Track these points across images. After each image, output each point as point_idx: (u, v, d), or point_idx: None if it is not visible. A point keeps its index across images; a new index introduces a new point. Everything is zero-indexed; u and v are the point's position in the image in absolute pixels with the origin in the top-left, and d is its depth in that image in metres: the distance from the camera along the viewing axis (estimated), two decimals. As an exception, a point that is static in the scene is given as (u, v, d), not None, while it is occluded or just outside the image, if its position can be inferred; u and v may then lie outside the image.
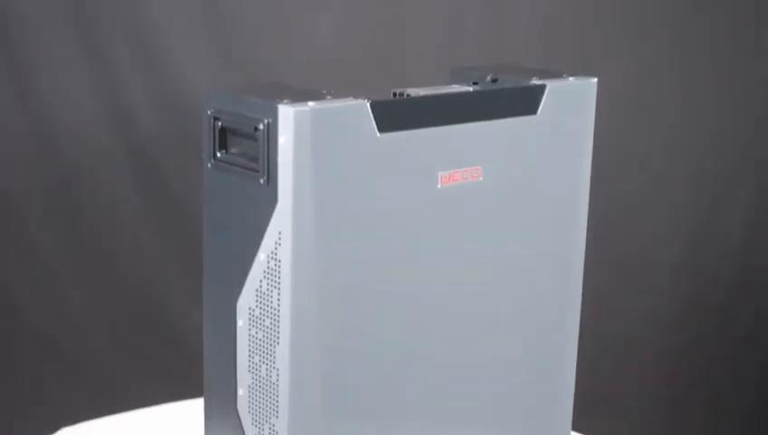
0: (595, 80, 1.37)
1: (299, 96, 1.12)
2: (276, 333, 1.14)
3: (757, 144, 2.71)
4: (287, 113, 1.09)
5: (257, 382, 1.17)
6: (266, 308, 1.14)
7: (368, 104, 1.15)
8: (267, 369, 1.16)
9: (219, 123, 1.17)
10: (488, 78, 1.34)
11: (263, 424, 1.17)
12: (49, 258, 2.58)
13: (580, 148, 1.37)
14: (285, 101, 1.10)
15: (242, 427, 1.20)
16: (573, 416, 1.47)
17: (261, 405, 1.17)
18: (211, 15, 2.39)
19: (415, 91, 1.25)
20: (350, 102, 1.14)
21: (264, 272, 1.14)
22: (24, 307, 2.60)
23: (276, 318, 1.13)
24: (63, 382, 2.61)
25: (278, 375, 1.15)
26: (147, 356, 2.64)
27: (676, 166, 2.69)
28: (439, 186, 1.22)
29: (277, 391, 1.15)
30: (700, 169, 2.70)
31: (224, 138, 1.18)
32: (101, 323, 2.64)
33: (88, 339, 2.63)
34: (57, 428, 1.68)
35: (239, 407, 1.20)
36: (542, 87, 1.31)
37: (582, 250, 1.40)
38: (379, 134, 1.16)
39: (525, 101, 1.31)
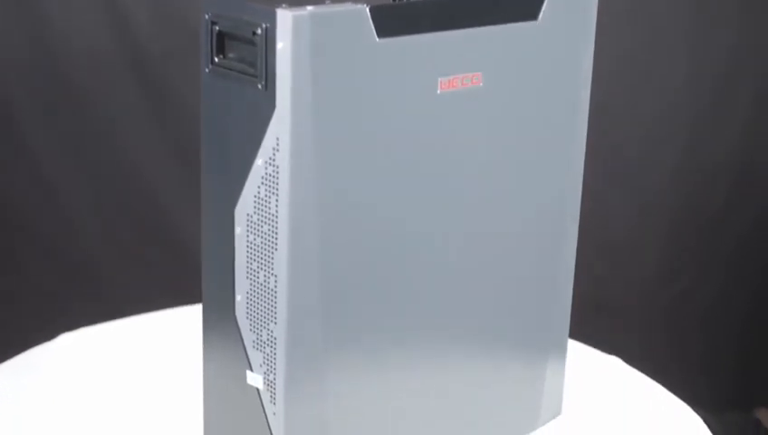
0: (597, -15, 1.36)
1: (298, 1, 1.11)
2: (274, 240, 1.14)
3: (758, 44, 2.69)
4: (285, 18, 1.08)
5: (255, 289, 1.18)
6: (264, 214, 1.14)
7: (366, 9, 1.13)
8: (265, 275, 1.16)
9: (217, 28, 1.16)
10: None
11: (261, 330, 1.18)
12: (48, 165, 2.58)
13: (580, 54, 1.36)
14: (284, 5, 1.09)
15: (240, 333, 1.21)
16: (571, 322, 1.48)
17: (259, 311, 1.18)
18: None
19: (414, -4, 1.24)
20: (348, 7, 1.13)
21: (262, 178, 1.14)
22: (22, 214, 2.60)
23: (274, 224, 1.13)
24: (62, 290, 2.62)
25: (276, 281, 1.15)
26: (146, 263, 2.65)
27: (674, 68, 2.68)
28: (439, 91, 1.21)
29: (275, 297, 1.16)
30: (699, 68, 2.69)
31: (221, 43, 1.16)
32: (101, 231, 2.64)
33: (87, 246, 2.64)
34: (56, 334, 1.69)
35: (237, 313, 1.21)
36: (543, -8, 1.30)
37: (582, 154, 1.40)
38: (378, 39, 1.15)
39: (526, 7, 1.29)
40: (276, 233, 1.14)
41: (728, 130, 2.73)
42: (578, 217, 1.43)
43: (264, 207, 1.14)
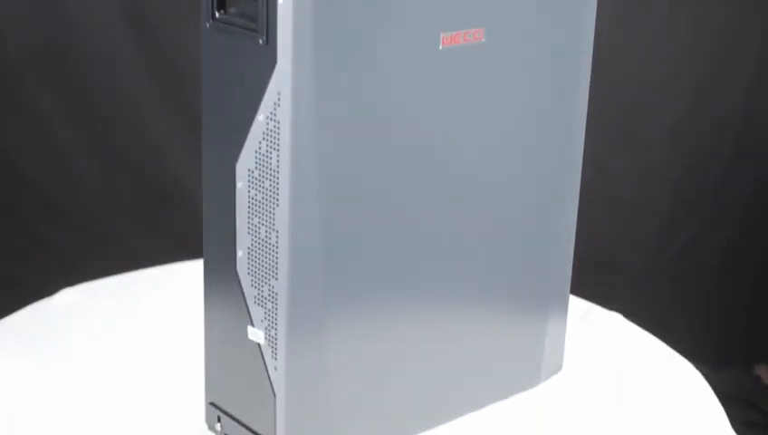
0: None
1: (299, -46, 1.10)
2: (276, 195, 1.14)
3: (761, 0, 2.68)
4: (286, -28, 1.08)
5: (257, 244, 1.18)
6: (265, 170, 1.14)
7: (368, -37, 1.13)
8: (267, 231, 1.16)
9: (217, -18, 1.15)
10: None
11: (262, 286, 1.18)
12: (49, 121, 2.58)
13: (583, 11, 1.35)
14: (285, -41, 1.08)
15: (241, 288, 1.21)
16: (572, 279, 1.48)
17: (260, 267, 1.18)
18: None
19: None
20: (350, -39, 1.12)
21: (263, 133, 1.13)
22: (24, 169, 2.60)
23: (276, 180, 1.13)
24: (64, 244, 2.62)
25: (277, 237, 1.15)
26: (147, 217, 2.66)
27: (676, 25, 2.67)
28: (441, 47, 1.21)
29: (276, 252, 1.16)
30: (701, 25, 2.67)
31: (222, -3, 1.16)
32: (102, 186, 2.64)
33: (88, 200, 2.64)
34: (58, 289, 1.69)
35: (238, 269, 1.21)
36: (546, -55, 1.29)
37: (584, 109, 1.39)
38: (379, -6, 1.14)
39: (529, -39, 1.28)
40: (278, 188, 1.14)
41: (731, 87, 2.72)
42: (580, 173, 1.43)
43: (265, 163, 1.14)
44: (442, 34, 1.20)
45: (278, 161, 1.13)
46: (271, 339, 1.19)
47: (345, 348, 1.23)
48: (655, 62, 2.70)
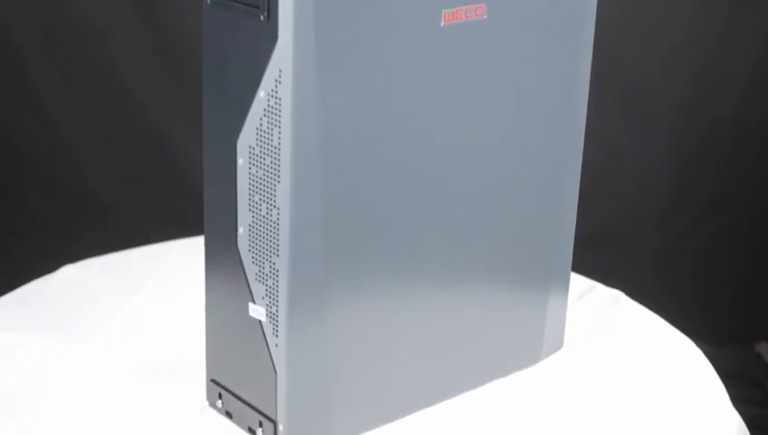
0: None
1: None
2: (276, 172, 1.14)
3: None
4: (287, -53, 1.07)
5: (258, 221, 1.17)
6: (266, 147, 1.14)
7: (370, -62, 1.12)
8: (267, 208, 1.16)
9: (218, -42, 1.15)
10: None
11: (263, 262, 1.18)
12: (49, 97, 2.57)
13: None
14: (286, -66, 1.08)
15: (242, 265, 1.21)
16: (574, 256, 1.48)
17: (261, 244, 1.18)
18: None
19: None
20: (351, -63, 1.12)
21: (264, 110, 1.13)
22: (24, 147, 2.60)
23: (277, 156, 1.13)
24: (64, 221, 2.62)
25: (278, 214, 1.15)
26: (148, 194, 2.65)
27: (679, 4, 2.66)
28: (442, 24, 1.20)
29: (277, 229, 1.15)
30: (705, 4, 2.67)
31: (223, -27, 1.16)
32: (103, 162, 2.64)
33: (89, 177, 2.64)
34: (58, 266, 1.69)
35: (239, 245, 1.21)
36: None
37: (586, 87, 1.39)
38: (381, -30, 1.14)
39: (531, -63, 1.28)
40: (279, 165, 1.13)
41: (734, 68, 2.71)
42: (581, 151, 1.42)
43: (266, 139, 1.14)
44: (444, 11, 1.20)
45: (279, 138, 1.13)
46: (272, 316, 1.19)
47: (346, 325, 1.23)
48: (659, 41, 2.69)
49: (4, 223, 2.61)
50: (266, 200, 1.16)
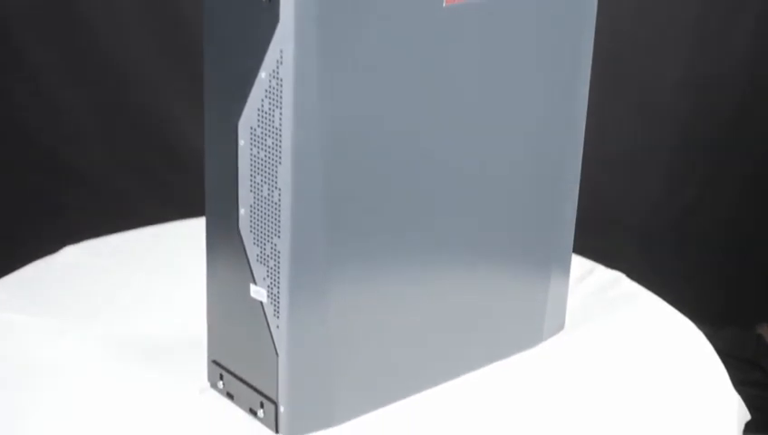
0: None
1: None
2: (278, 153, 1.13)
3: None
4: (289, -72, 1.07)
5: (259, 202, 1.17)
6: (268, 128, 1.14)
7: None
8: (269, 189, 1.16)
9: (219, -62, 1.15)
10: None
11: (264, 244, 1.18)
12: (48, 77, 2.57)
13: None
14: None
15: (243, 246, 1.21)
16: (575, 237, 1.48)
17: (262, 225, 1.18)
18: None
19: None
20: None
21: (266, 91, 1.13)
22: (24, 127, 2.59)
23: (278, 138, 1.13)
24: (66, 203, 2.62)
25: (280, 195, 1.15)
26: (150, 176, 2.65)
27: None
28: (444, 4, 1.20)
29: (279, 210, 1.15)
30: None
31: (224, -46, 1.15)
32: (104, 144, 2.64)
33: (90, 158, 2.63)
34: (60, 247, 1.69)
35: (241, 227, 1.21)
36: None
37: (588, 69, 1.39)
38: (382, -50, 1.13)
39: None
40: (280, 146, 1.13)
41: (734, 42, 2.70)
42: (583, 131, 1.42)
43: (267, 121, 1.14)
44: (445, -8, 1.20)
45: (280, 119, 1.12)
46: (273, 297, 1.19)
47: (347, 306, 1.23)
48: (655, 18, 2.68)
49: (4, 204, 2.60)
50: (267, 181, 1.16)
